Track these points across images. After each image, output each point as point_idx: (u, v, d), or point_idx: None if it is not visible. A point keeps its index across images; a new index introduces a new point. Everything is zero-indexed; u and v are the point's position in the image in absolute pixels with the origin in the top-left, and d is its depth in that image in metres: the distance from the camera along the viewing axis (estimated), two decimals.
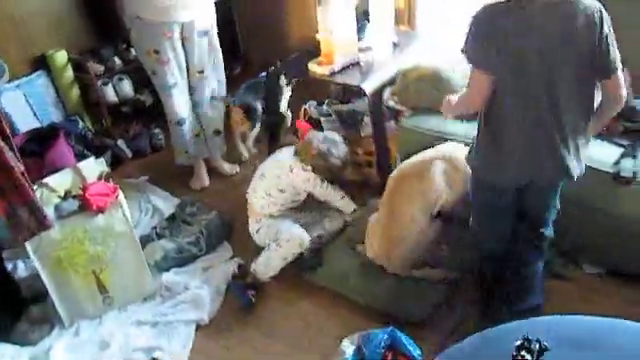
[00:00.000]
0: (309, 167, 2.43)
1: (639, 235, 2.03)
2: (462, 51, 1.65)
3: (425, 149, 2.37)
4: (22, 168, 2.02)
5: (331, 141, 2.48)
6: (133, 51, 3.45)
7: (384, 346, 1.36)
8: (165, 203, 2.91)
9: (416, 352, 1.38)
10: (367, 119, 2.76)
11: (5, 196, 1.92)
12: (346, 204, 2.55)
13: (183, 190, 3.05)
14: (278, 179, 2.44)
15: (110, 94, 3.44)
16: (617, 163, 2.02)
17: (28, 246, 2.09)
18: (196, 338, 2.18)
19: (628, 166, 2.00)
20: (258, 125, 3.14)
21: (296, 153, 2.48)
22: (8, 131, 2.03)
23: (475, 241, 1.97)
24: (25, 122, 3.20)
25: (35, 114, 3.29)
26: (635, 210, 2.00)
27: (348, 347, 1.43)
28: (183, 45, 2.71)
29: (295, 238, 2.34)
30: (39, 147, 2.91)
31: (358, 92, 3.01)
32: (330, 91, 3.30)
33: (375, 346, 1.36)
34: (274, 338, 2.15)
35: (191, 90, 2.90)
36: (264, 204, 2.47)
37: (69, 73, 3.39)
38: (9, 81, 3.07)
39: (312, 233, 2.41)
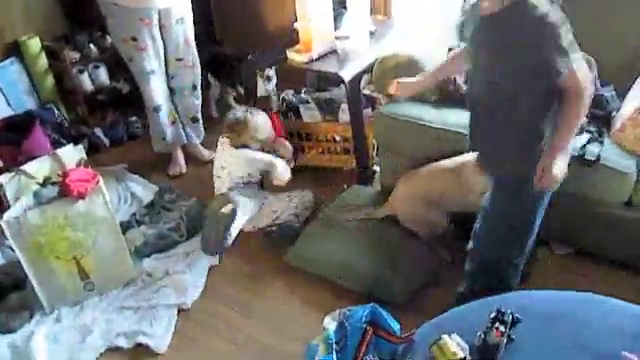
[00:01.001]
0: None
1: (604, 216, 2.13)
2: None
3: (400, 135, 2.44)
4: None
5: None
6: (109, 38, 3.43)
7: (365, 321, 1.41)
8: (144, 190, 2.92)
9: (396, 327, 1.44)
10: (344, 106, 2.81)
11: None
12: (280, 166, 2.62)
13: (161, 177, 3.06)
14: (219, 160, 2.66)
15: (86, 82, 3.41)
16: (583, 147, 2.10)
17: (7, 231, 2.09)
18: (178, 322, 2.20)
19: (594, 150, 2.09)
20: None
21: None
22: None
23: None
24: None
25: (8, 102, 3.25)
26: (599, 191, 2.09)
27: (330, 323, 1.48)
28: (160, 32, 2.71)
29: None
30: (15, 135, 2.89)
31: (334, 80, 3.05)
32: (306, 79, 3.33)
33: (356, 321, 1.41)
34: (256, 320, 2.19)
35: (169, 77, 2.90)
36: (218, 186, 2.65)
37: (43, 60, 3.35)
38: None
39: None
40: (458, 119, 2.32)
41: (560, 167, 1.61)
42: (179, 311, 2.24)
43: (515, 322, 1.36)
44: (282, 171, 2.58)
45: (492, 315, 1.36)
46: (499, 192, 1.82)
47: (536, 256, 2.32)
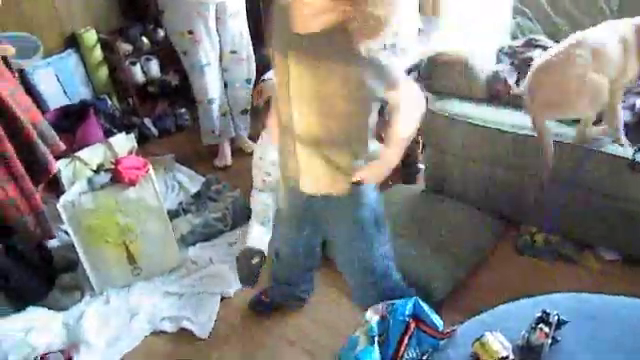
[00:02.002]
0: None
1: None
2: None
3: (449, 133, 2.43)
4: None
5: None
6: (161, 32, 3.52)
7: (408, 315, 1.42)
8: (191, 180, 2.99)
9: (439, 322, 1.44)
10: None
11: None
12: None
13: (207, 168, 3.12)
14: (257, 152, 2.52)
15: (138, 74, 3.52)
16: (635, 153, 2.04)
17: (63, 214, 2.18)
18: (221, 310, 2.25)
19: None
20: None
21: None
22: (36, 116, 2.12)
23: None
24: (55, 99, 3.28)
25: (65, 92, 3.38)
26: None
27: (372, 316, 1.49)
28: (216, 25, 2.76)
29: None
30: (70, 123, 3.00)
31: None
32: None
33: (399, 315, 1.41)
34: (297, 312, 2.21)
35: (223, 70, 2.96)
36: (254, 177, 2.53)
37: (98, 52, 3.46)
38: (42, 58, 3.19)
39: None
40: (508, 118, 2.30)
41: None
42: (222, 299, 2.29)
43: (561, 324, 1.35)
44: None
45: (537, 315, 1.35)
46: None
47: (581, 260, 2.28)
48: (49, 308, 2.26)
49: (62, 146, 2.27)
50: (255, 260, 2.23)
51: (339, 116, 1.48)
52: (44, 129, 2.16)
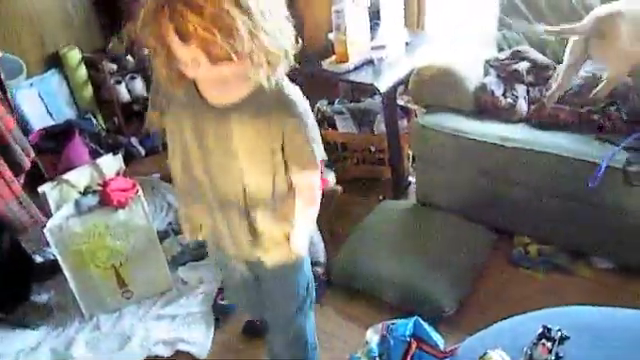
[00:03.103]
0: None
1: None
2: None
3: (438, 146, 2.43)
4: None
5: None
6: (145, 50, 3.49)
7: (408, 335, 1.40)
8: None
9: (440, 341, 1.43)
10: (380, 117, 2.81)
11: None
12: None
13: None
14: None
15: (123, 92, 3.48)
16: (627, 162, 2.05)
17: (50, 239, 2.13)
18: (217, 328, 2.21)
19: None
20: None
21: None
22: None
23: None
24: (39, 120, 3.24)
25: (49, 112, 3.34)
26: None
27: (372, 337, 1.47)
28: None
29: None
30: (55, 144, 2.96)
31: (368, 91, 3.06)
32: (339, 90, 3.34)
33: (399, 335, 1.40)
34: None
35: None
36: None
37: (82, 71, 3.43)
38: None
39: None
40: (496, 130, 2.31)
41: None
42: (217, 318, 2.25)
43: (563, 339, 1.34)
44: None
45: (539, 331, 1.34)
46: None
47: (575, 270, 2.28)
48: (15, 324, 2.24)
49: (31, 151, 2.21)
50: None
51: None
52: (16, 135, 2.12)
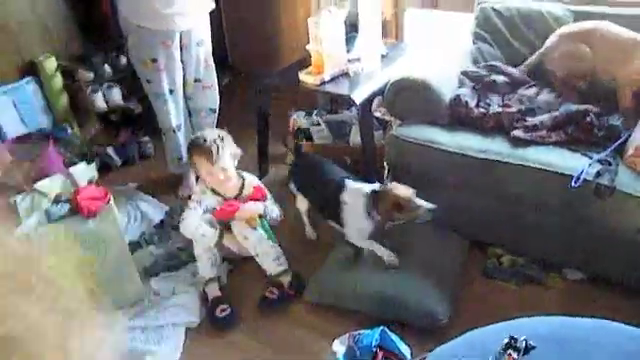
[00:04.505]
0: None
1: (618, 242, 2.09)
2: None
3: (413, 158, 2.43)
4: None
5: None
6: (123, 59, 3.48)
7: (375, 345, 1.39)
8: (154, 210, 2.92)
9: (406, 351, 1.42)
10: (355, 129, 2.82)
11: None
12: None
13: (171, 198, 3.06)
14: None
15: (99, 102, 3.45)
16: (597, 175, 2.07)
17: None
18: (186, 341, 2.18)
19: (608, 178, 2.06)
20: None
21: None
22: None
23: None
24: (13, 128, 3.19)
25: (23, 120, 3.29)
26: (614, 217, 2.06)
27: (339, 347, 1.46)
28: (181, 53, 2.74)
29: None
30: (28, 153, 2.92)
31: (346, 102, 3.08)
32: (317, 102, 3.35)
33: (366, 346, 1.39)
34: (263, 343, 2.16)
35: (187, 98, 2.92)
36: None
37: (58, 80, 3.39)
38: None
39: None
40: (471, 142, 2.32)
41: None
42: (187, 331, 2.22)
43: (529, 349, 1.34)
44: None
45: (505, 341, 1.34)
46: None
47: (547, 281, 2.29)
48: None
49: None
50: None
51: None
52: None
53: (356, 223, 2.25)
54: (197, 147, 2.30)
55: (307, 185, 2.52)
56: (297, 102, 3.27)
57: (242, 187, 2.43)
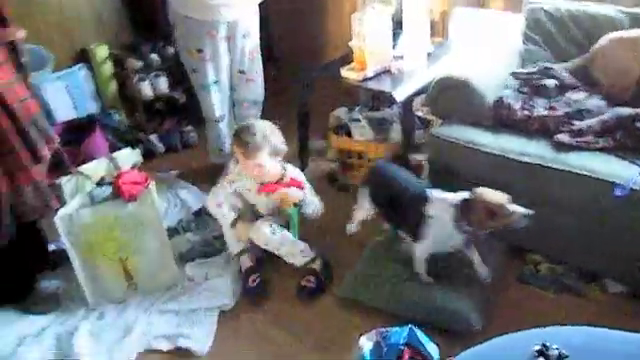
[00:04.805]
0: None
1: None
2: None
3: (454, 159, 2.40)
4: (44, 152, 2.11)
5: None
6: (170, 49, 3.55)
7: (403, 343, 1.38)
8: (193, 198, 2.97)
9: (434, 351, 1.40)
10: (396, 126, 2.79)
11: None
12: None
13: (210, 186, 3.09)
14: None
15: (146, 90, 3.53)
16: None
17: (60, 227, 2.16)
18: (219, 327, 2.21)
19: None
20: None
21: None
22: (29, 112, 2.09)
23: None
24: (63, 112, 3.30)
25: (74, 105, 3.40)
26: None
27: (366, 343, 1.45)
28: (227, 44, 2.77)
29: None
30: (76, 137, 3.01)
31: (388, 100, 3.05)
32: (359, 98, 3.34)
33: (393, 343, 1.37)
34: (295, 335, 2.17)
35: (231, 89, 2.96)
36: None
37: (108, 67, 3.50)
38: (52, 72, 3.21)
39: None
40: (513, 145, 2.27)
41: None
42: (220, 316, 2.25)
43: (562, 358, 1.30)
44: None
45: (536, 348, 1.30)
46: None
47: (586, 292, 2.22)
48: (24, 310, 2.29)
49: (55, 140, 2.23)
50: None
51: None
52: (39, 120, 2.12)
53: (440, 236, 2.10)
54: (237, 137, 2.31)
55: (382, 197, 2.32)
56: (339, 98, 3.27)
57: (281, 178, 2.42)
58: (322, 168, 3.17)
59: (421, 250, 2.16)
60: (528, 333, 1.46)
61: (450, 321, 2.05)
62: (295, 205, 2.39)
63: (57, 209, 2.20)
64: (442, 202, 2.07)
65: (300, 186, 2.43)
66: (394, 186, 2.25)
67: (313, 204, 2.47)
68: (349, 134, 2.93)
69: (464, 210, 2.00)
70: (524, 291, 2.28)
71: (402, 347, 1.38)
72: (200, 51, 2.71)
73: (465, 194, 2.04)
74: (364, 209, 2.43)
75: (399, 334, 1.41)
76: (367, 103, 3.25)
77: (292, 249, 2.35)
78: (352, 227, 2.52)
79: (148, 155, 3.38)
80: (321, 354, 2.07)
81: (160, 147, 3.48)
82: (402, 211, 2.20)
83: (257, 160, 2.26)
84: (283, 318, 2.25)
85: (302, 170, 2.98)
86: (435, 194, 2.12)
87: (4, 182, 2.02)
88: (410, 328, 1.42)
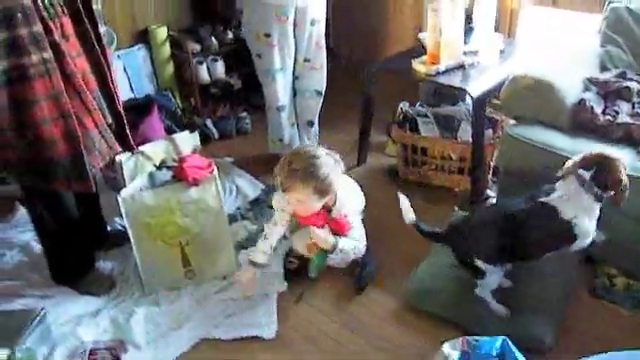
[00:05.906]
0: None
1: None
2: None
3: (526, 161, 2.29)
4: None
5: None
6: (230, 33, 3.51)
7: (496, 354, 1.29)
8: (249, 186, 2.92)
9: None
10: (464, 124, 2.69)
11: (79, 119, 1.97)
12: None
13: (266, 176, 3.04)
14: None
15: (203, 74, 3.49)
16: None
17: (122, 207, 2.13)
18: (279, 311, 2.17)
19: None
20: None
21: None
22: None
23: None
24: (121, 93, 3.28)
25: (131, 86, 3.39)
26: None
27: (451, 352, 1.37)
28: (294, 31, 2.70)
29: None
30: (132, 117, 2.97)
31: (452, 96, 2.95)
32: (420, 93, 3.24)
33: (485, 354, 1.29)
34: (356, 334, 2.10)
35: (295, 77, 2.89)
36: None
37: (167, 49, 3.47)
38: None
39: None
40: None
41: None
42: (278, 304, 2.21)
43: None
44: None
45: None
46: None
47: None
48: (82, 291, 2.27)
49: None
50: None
51: None
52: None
53: (590, 224, 1.90)
54: (286, 164, 2.03)
55: (496, 245, 1.96)
56: (396, 94, 3.17)
57: (328, 210, 2.14)
58: (380, 162, 3.09)
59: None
60: (608, 356, 1.34)
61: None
62: (323, 250, 2.16)
63: (116, 154, 2.19)
64: (567, 186, 1.90)
65: (343, 229, 2.17)
66: (502, 224, 1.97)
67: (345, 254, 2.17)
68: (412, 129, 2.83)
69: (599, 176, 1.87)
70: (595, 304, 2.16)
71: (495, 358, 1.30)
72: (268, 35, 2.64)
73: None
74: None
75: (490, 344, 1.32)
76: (428, 99, 3.15)
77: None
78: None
79: (202, 140, 3.32)
80: (385, 352, 2.01)
81: (215, 132, 3.43)
82: (536, 236, 1.93)
83: (295, 194, 2.01)
84: (344, 317, 2.18)
85: (358, 165, 2.91)
86: (554, 195, 1.92)
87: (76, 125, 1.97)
88: (504, 339, 1.33)
